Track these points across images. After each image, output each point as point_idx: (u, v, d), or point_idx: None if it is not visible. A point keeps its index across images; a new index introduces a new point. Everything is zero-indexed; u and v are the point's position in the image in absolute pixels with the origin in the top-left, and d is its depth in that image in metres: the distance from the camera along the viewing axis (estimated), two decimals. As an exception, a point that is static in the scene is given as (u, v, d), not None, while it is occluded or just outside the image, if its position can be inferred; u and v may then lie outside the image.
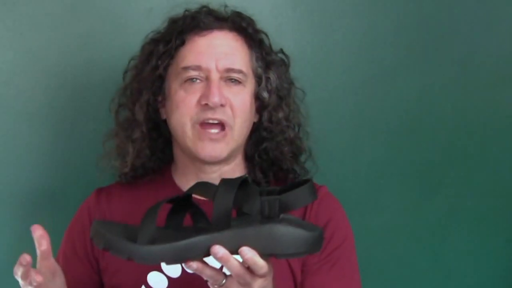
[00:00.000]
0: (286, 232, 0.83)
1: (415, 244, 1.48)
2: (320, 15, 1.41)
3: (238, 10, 1.13)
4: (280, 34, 1.24)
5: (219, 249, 0.82)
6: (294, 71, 1.19)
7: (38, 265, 0.92)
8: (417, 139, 1.46)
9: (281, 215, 0.84)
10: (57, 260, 1.12)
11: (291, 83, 1.17)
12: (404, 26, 1.44)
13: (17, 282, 1.34)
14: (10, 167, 1.33)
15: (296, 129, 1.17)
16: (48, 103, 1.33)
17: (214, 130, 1.05)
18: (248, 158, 1.16)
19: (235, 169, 1.14)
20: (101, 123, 1.23)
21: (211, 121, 1.05)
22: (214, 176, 1.11)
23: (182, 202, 0.91)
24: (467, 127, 1.48)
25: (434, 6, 1.44)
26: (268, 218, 0.84)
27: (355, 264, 1.12)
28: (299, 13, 1.40)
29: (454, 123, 1.47)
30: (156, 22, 1.14)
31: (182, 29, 1.09)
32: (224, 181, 0.86)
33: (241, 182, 0.85)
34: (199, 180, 1.10)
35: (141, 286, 1.06)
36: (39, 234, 0.89)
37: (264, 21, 1.16)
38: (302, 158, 1.18)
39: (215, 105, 1.04)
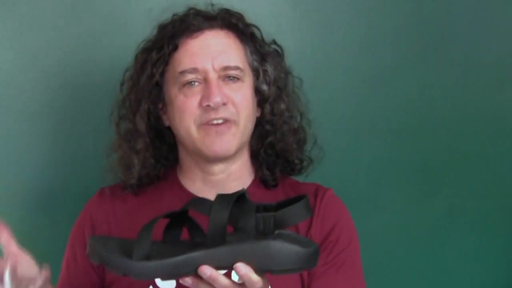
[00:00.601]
0: (281, 248, 0.83)
1: (415, 244, 1.48)
2: (320, 15, 1.41)
3: (237, 9, 1.13)
4: (280, 34, 1.24)
5: (206, 270, 0.81)
6: (294, 71, 1.19)
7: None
8: (417, 139, 1.46)
9: (277, 231, 0.84)
10: (62, 268, 1.13)
11: (287, 72, 1.16)
12: (404, 26, 1.44)
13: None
14: (10, 167, 1.33)
15: (299, 118, 1.17)
16: (48, 103, 1.33)
17: (219, 122, 1.05)
18: (254, 156, 1.15)
19: (243, 168, 1.13)
20: (101, 123, 1.22)
21: (215, 121, 1.05)
22: (221, 177, 1.11)
23: (179, 216, 0.91)
24: (467, 127, 1.48)
25: (434, 6, 1.44)
26: (263, 234, 0.83)
27: (360, 267, 1.12)
28: (299, 13, 1.41)
29: (454, 123, 1.47)
30: (156, 22, 1.14)
31: (173, 34, 1.08)
32: (220, 197, 0.85)
33: (238, 197, 0.85)
34: (206, 183, 1.11)
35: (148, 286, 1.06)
36: None
37: (264, 21, 1.16)
38: (308, 146, 1.18)
39: (216, 105, 1.03)
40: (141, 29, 1.15)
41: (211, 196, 1.10)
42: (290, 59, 1.18)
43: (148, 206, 1.10)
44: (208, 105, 1.04)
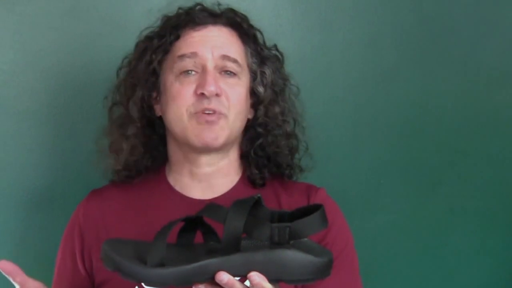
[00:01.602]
0: (296, 258, 0.83)
1: (415, 244, 1.48)
2: (320, 15, 1.41)
3: (238, 10, 1.13)
4: (280, 34, 1.24)
5: (224, 276, 0.82)
6: (294, 71, 1.19)
7: None
8: (417, 139, 1.46)
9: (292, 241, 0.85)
10: (54, 270, 1.13)
11: (286, 79, 1.17)
12: (404, 26, 1.44)
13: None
14: (10, 167, 1.33)
15: (292, 124, 1.16)
16: (48, 103, 1.32)
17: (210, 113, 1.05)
18: (244, 155, 1.15)
19: (230, 166, 1.13)
20: (101, 123, 1.22)
21: (207, 112, 1.05)
22: (208, 171, 1.11)
23: (194, 220, 0.91)
24: (467, 127, 1.48)
25: (434, 6, 1.44)
26: (278, 243, 0.84)
27: (357, 268, 1.12)
28: (299, 13, 1.40)
29: (454, 123, 1.47)
30: (156, 22, 1.14)
31: (176, 24, 1.09)
32: (235, 205, 0.85)
33: (253, 203, 0.85)
34: (194, 177, 1.11)
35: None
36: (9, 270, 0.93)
37: (264, 21, 1.16)
38: (299, 153, 1.18)
39: (210, 94, 1.03)
40: (141, 29, 1.15)
41: (198, 191, 1.10)
42: (290, 59, 1.18)
43: (138, 209, 1.11)
44: (202, 93, 1.04)
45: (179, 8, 1.13)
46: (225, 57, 1.07)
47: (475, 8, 1.46)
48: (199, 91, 1.04)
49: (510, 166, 1.51)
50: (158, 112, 1.12)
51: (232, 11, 1.13)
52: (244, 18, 1.13)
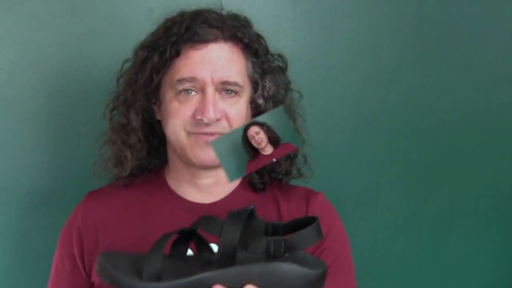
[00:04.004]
0: (291, 271, 0.84)
1: (415, 244, 1.48)
2: (320, 15, 1.41)
3: (237, 10, 1.12)
4: (280, 34, 1.24)
5: None
6: (294, 71, 1.19)
7: None
8: (417, 139, 1.46)
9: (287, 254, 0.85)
10: (51, 270, 1.12)
11: (287, 88, 1.15)
12: (404, 26, 1.44)
13: (17, 282, 1.35)
14: (10, 167, 1.33)
15: None
16: (48, 103, 1.32)
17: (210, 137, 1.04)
18: None
19: None
20: (101, 123, 1.22)
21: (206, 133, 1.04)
22: (209, 181, 1.11)
23: (187, 232, 0.91)
24: (467, 127, 1.48)
25: (434, 6, 1.44)
26: (273, 256, 0.84)
27: (353, 273, 1.12)
28: (299, 13, 1.40)
29: (454, 123, 1.47)
30: (156, 22, 1.13)
31: (176, 40, 1.06)
32: (230, 217, 0.85)
33: (248, 214, 0.85)
34: (193, 186, 1.11)
35: None
36: None
37: (264, 21, 1.16)
38: (298, 163, 1.17)
39: (210, 121, 1.02)
40: (141, 29, 1.15)
41: (197, 196, 1.10)
42: (290, 59, 1.18)
43: (135, 211, 1.11)
44: (201, 119, 1.03)
45: (181, 14, 1.09)
46: (225, 83, 1.04)
47: (475, 8, 1.46)
48: (198, 117, 1.03)
49: (510, 166, 1.51)
50: (158, 116, 1.11)
51: (234, 22, 1.08)
52: (247, 31, 1.09)
